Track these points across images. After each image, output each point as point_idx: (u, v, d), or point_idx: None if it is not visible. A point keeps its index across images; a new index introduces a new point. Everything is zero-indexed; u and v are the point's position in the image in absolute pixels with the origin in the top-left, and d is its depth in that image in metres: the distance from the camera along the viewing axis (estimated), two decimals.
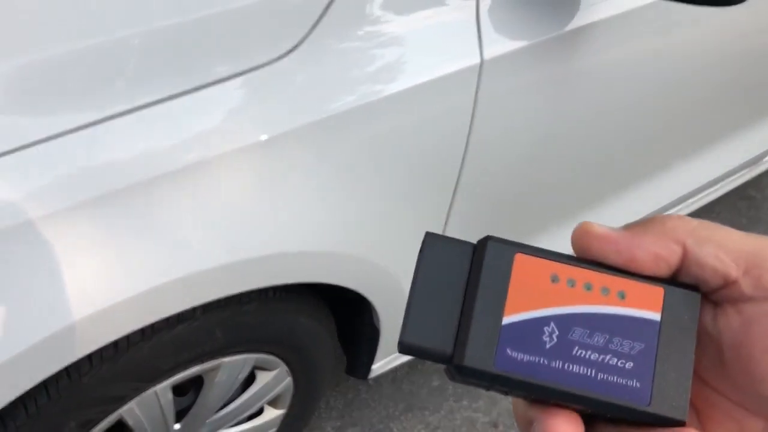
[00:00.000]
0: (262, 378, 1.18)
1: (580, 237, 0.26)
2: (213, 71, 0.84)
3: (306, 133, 0.90)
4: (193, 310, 0.95)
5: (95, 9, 0.79)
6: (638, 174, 1.51)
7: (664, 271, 0.26)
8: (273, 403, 1.28)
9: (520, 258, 0.26)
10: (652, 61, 1.24)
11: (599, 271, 0.26)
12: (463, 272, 0.26)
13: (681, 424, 0.24)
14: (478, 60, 0.97)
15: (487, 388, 0.26)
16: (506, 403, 1.66)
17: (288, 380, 1.22)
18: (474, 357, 0.25)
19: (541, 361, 0.25)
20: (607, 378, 0.25)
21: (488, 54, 0.98)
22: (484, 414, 1.63)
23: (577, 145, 1.23)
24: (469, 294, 0.26)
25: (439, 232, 1.18)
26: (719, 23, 1.32)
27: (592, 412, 0.25)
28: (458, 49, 0.97)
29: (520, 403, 0.26)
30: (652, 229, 0.26)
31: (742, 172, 1.99)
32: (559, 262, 0.26)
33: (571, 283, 0.25)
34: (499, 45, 0.98)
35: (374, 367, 1.36)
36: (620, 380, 0.25)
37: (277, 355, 1.14)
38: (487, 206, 1.20)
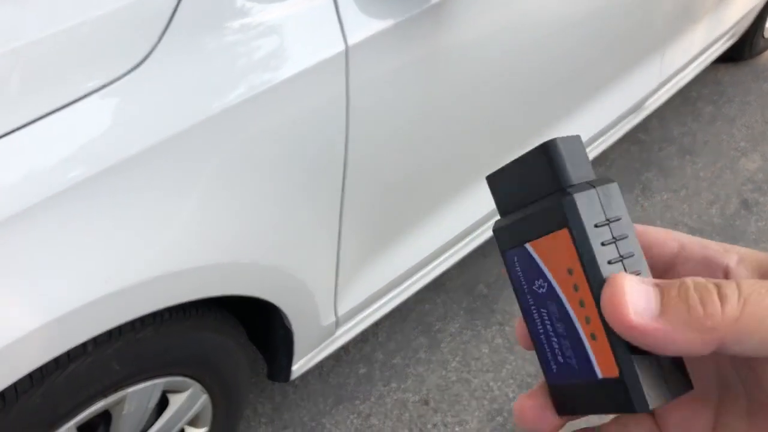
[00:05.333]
0: (176, 400, 1.14)
1: (611, 312, 0.23)
2: (64, 92, 0.78)
3: (178, 142, 0.86)
4: (84, 345, 0.91)
5: None
6: (524, 136, 1.54)
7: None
8: (193, 422, 1.24)
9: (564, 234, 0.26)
10: (522, 23, 1.26)
11: (597, 316, 0.25)
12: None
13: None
14: (342, 47, 0.96)
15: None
16: (435, 378, 1.68)
17: (204, 398, 1.18)
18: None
19: (525, 290, 0.28)
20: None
21: (352, 40, 0.96)
22: (414, 393, 1.64)
23: (456, 119, 1.24)
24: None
25: (335, 225, 1.16)
26: None
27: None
28: (322, 39, 0.95)
29: None
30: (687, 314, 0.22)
31: (629, 117, 2.07)
32: (583, 269, 0.25)
33: (575, 288, 0.26)
34: (361, 30, 0.97)
35: (295, 367, 1.34)
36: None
37: (187, 375, 1.11)
38: (377, 192, 1.19)
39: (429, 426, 1.58)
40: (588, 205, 0.25)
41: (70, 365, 0.91)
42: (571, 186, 0.26)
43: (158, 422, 1.14)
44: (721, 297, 0.22)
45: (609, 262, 0.25)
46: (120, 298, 0.86)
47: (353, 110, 1.02)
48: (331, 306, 1.30)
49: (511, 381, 1.68)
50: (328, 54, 0.94)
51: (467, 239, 1.59)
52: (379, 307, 1.48)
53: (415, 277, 1.52)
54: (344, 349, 1.71)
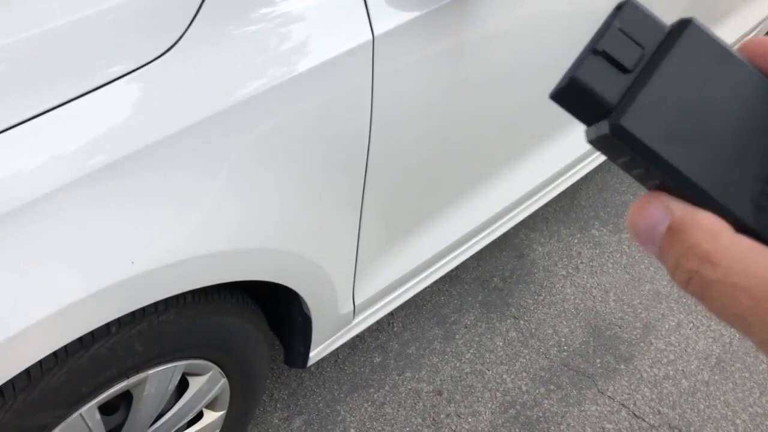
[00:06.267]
0: (195, 383, 1.16)
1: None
2: (92, 76, 0.79)
3: (205, 128, 0.87)
4: (107, 326, 0.92)
5: None
6: (549, 128, 1.54)
7: None
8: (212, 405, 1.26)
9: None
10: (548, 15, 1.25)
11: None
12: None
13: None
14: (369, 36, 0.96)
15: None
16: (449, 369, 1.68)
17: (223, 381, 1.20)
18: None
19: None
20: None
21: (378, 29, 0.96)
22: (428, 383, 1.65)
23: (479, 111, 1.24)
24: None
25: (356, 214, 1.17)
26: None
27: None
28: (348, 28, 0.95)
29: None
30: None
31: None
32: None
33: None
34: (388, 19, 0.97)
35: (312, 354, 1.36)
36: None
37: (207, 359, 1.12)
38: (398, 183, 1.20)
39: (442, 416, 1.59)
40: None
41: (94, 345, 0.92)
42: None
43: (178, 404, 1.16)
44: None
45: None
46: (145, 280, 0.87)
47: (378, 100, 1.02)
48: (350, 294, 1.30)
49: (525, 374, 1.68)
50: (355, 43, 0.95)
51: (484, 232, 1.59)
52: (396, 297, 1.48)
53: (431, 269, 1.52)
54: (360, 337, 1.72)
